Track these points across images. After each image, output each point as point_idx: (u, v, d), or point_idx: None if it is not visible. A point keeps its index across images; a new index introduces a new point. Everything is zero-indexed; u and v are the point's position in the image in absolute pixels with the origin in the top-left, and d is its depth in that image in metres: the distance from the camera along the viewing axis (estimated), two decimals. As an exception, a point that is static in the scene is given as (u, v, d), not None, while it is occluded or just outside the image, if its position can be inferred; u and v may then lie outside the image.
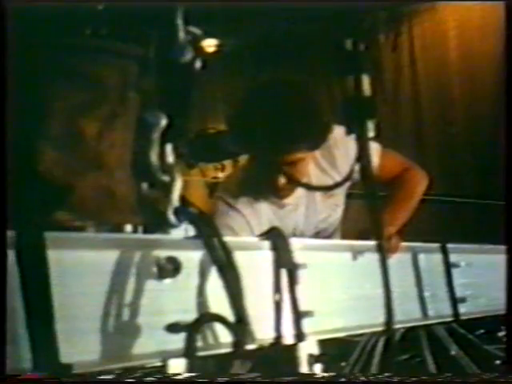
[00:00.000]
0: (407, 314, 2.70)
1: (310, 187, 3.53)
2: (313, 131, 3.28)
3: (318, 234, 3.71)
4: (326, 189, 3.61)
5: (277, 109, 3.18)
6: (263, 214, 3.56)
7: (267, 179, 3.41)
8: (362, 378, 2.16)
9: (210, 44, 8.79)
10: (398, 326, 2.54)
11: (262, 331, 2.01)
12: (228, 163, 5.00)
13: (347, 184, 3.53)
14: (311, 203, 3.67)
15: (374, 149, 3.53)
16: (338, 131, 3.38)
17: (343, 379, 2.03)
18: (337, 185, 3.52)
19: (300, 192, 3.60)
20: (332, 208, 3.78)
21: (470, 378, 2.26)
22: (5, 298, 1.42)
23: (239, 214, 3.48)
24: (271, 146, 3.19)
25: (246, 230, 3.45)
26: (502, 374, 2.21)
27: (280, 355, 2.09)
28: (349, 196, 3.85)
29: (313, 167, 3.58)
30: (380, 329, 2.37)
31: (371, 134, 2.13)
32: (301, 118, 3.20)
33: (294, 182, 3.39)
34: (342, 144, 3.53)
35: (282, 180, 3.33)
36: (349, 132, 2.17)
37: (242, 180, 3.63)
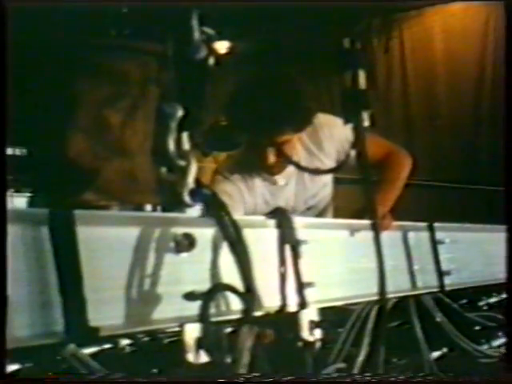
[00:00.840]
0: (398, 285, 2.71)
1: (303, 169, 3.61)
2: (296, 115, 3.39)
3: (309, 210, 3.78)
4: (320, 172, 3.70)
5: (265, 97, 3.34)
6: (257, 189, 3.65)
7: (259, 157, 3.51)
8: (366, 378, 2.15)
9: (223, 45, 8.78)
10: (390, 295, 2.54)
11: (269, 300, 2.00)
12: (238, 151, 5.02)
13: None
14: (300, 181, 3.74)
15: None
16: (324, 117, 3.58)
17: (348, 379, 2.02)
18: (331, 170, 3.71)
19: (290, 170, 3.69)
20: (320, 186, 3.83)
21: (471, 379, 2.24)
22: (5, 301, 1.40)
23: (234, 185, 3.61)
24: (261, 128, 3.34)
25: (240, 198, 3.59)
26: (502, 374, 2.18)
27: (284, 321, 2.09)
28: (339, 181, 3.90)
29: (300, 149, 3.66)
30: (374, 298, 2.37)
31: (366, 123, 2.13)
32: (285, 104, 3.34)
33: (284, 159, 3.47)
34: (327, 128, 3.64)
35: (272, 158, 3.44)
36: (346, 121, 2.17)
37: (238, 159, 3.74)
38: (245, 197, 3.59)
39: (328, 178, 3.89)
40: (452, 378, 2.64)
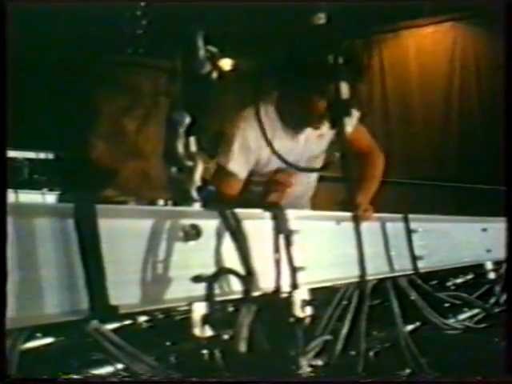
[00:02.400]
0: (378, 268, 2.70)
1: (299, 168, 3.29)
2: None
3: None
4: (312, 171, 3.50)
5: None
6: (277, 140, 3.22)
7: (308, 109, 3.15)
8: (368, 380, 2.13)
9: (227, 62, 8.76)
10: (370, 277, 2.54)
11: (266, 282, 2.00)
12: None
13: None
14: (309, 140, 3.41)
15: (355, 116, 3.36)
16: None
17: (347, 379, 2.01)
18: (318, 169, 3.50)
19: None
20: (305, 183, 3.62)
21: (471, 379, 2.22)
22: (5, 303, 1.39)
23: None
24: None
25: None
26: (502, 374, 2.15)
27: (279, 300, 2.08)
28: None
29: None
30: (356, 280, 2.37)
31: (350, 128, 2.13)
32: None
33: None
34: None
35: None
36: (332, 127, 2.17)
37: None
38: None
39: (314, 175, 3.71)
40: (452, 378, 2.62)
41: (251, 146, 3.14)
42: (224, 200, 2.48)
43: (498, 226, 3.98)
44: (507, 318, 2.45)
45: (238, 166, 3.14)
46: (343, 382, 1.96)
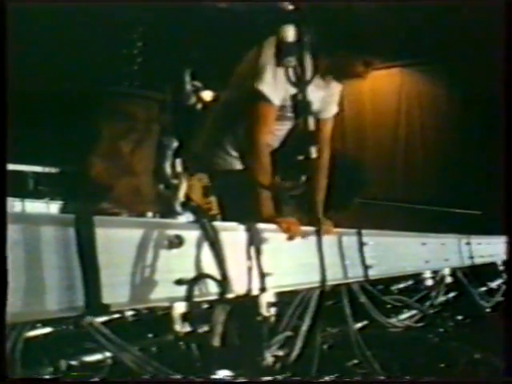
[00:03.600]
0: (334, 275, 2.69)
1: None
2: None
3: None
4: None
5: None
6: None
7: None
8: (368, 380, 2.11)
9: (208, 94, 8.75)
10: (328, 283, 2.53)
11: (238, 286, 1.98)
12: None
13: None
14: None
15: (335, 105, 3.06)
16: None
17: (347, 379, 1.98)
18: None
19: None
20: None
21: (471, 379, 2.19)
22: (5, 305, 1.37)
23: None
24: None
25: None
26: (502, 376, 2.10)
27: (249, 301, 2.07)
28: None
29: None
30: (316, 285, 2.36)
31: (314, 155, 2.12)
32: None
33: None
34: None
35: None
36: (299, 153, 2.16)
37: None
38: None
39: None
40: (452, 378, 2.59)
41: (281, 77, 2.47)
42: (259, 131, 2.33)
43: (435, 240, 4.01)
44: (506, 319, 2.41)
45: (273, 90, 2.57)
46: (347, 382, 1.92)
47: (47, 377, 1.77)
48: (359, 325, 3.20)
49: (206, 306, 1.91)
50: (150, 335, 2.65)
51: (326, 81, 2.89)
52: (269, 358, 2.21)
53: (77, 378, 1.79)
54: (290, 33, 2.09)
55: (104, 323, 1.80)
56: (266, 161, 2.55)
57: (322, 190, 2.94)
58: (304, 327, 2.51)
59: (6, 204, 1.39)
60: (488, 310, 4.87)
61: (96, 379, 1.76)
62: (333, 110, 3.05)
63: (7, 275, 1.30)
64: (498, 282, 5.45)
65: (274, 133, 2.78)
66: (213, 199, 4.79)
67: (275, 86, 2.55)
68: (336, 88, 3.02)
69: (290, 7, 2.03)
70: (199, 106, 1.85)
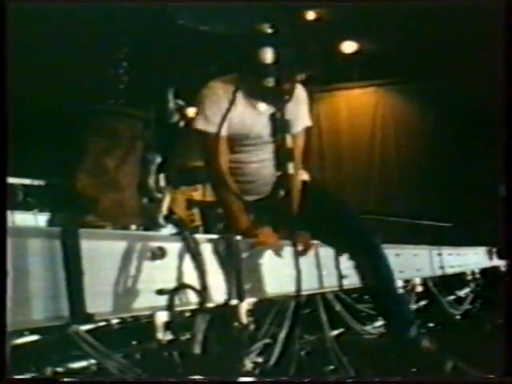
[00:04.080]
0: (310, 285, 2.69)
1: None
2: None
3: None
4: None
5: None
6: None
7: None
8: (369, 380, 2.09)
9: (192, 111, 8.72)
10: (304, 292, 2.53)
11: (217, 296, 1.98)
12: (199, 187, 5.02)
13: None
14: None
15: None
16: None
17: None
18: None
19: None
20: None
21: (471, 379, 2.16)
22: (5, 305, 1.36)
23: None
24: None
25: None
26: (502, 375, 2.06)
27: (228, 310, 2.06)
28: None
29: None
30: (292, 294, 2.35)
31: (291, 171, 2.12)
32: None
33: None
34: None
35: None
36: (277, 169, 2.16)
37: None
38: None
39: None
40: (452, 378, 2.56)
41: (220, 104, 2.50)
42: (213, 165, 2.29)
43: (408, 252, 4.02)
44: (507, 320, 2.37)
45: (210, 123, 2.48)
46: (343, 383, 1.91)
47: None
48: (335, 332, 3.20)
49: (187, 314, 1.89)
50: (135, 342, 2.63)
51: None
52: (248, 365, 2.20)
53: (77, 378, 1.78)
54: (268, 55, 2.10)
55: (90, 331, 1.80)
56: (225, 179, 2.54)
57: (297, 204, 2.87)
58: (282, 334, 2.50)
59: (6, 218, 1.39)
60: (457, 317, 4.90)
61: (96, 379, 1.74)
62: (301, 124, 2.80)
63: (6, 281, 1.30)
64: (466, 290, 5.49)
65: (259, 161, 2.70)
66: (195, 211, 4.79)
67: (213, 120, 2.46)
68: (302, 102, 2.81)
69: (269, 30, 2.04)
70: (182, 123, 1.85)
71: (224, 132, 2.48)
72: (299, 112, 2.74)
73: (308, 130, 2.87)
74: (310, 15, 6.62)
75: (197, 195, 5.22)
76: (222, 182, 2.46)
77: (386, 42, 8.19)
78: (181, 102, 1.85)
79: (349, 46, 8.31)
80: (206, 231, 3.49)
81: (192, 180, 4.50)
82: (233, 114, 2.47)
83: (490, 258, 6.13)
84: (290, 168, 2.13)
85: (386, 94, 9.48)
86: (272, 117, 2.23)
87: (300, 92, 2.71)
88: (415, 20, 6.93)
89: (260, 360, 2.44)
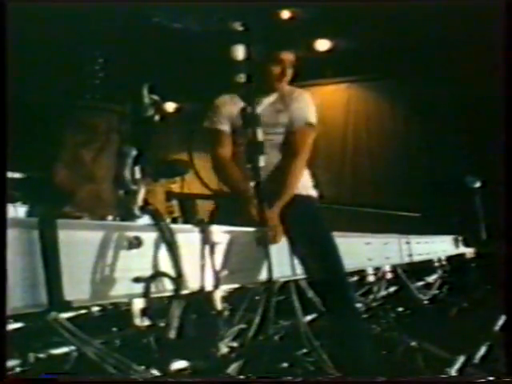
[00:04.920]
0: (284, 272, 2.70)
1: None
2: None
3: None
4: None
5: None
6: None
7: None
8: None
9: (171, 105, 8.65)
10: (278, 280, 2.54)
11: (192, 283, 1.98)
12: (178, 179, 5.01)
13: None
14: None
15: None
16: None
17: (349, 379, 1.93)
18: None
19: None
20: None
21: (473, 378, 2.14)
22: (5, 305, 1.35)
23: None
24: None
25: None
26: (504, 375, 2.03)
27: (203, 297, 2.07)
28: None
29: None
30: (266, 281, 2.36)
31: (262, 163, 2.13)
32: None
33: None
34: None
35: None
36: (248, 162, 2.16)
37: None
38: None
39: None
40: (452, 379, 2.54)
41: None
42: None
43: (378, 240, 4.05)
44: (507, 321, 2.31)
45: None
46: (344, 382, 1.89)
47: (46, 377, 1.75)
48: (308, 317, 3.22)
49: (163, 301, 1.89)
50: (115, 329, 2.63)
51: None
52: (223, 349, 2.20)
53: (77, 378, 1.77)
54: (239, 52, 2.10)
55: (72, 318, 1.79)
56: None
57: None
58: (257, 320, 2.51)
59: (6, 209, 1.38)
60: (425, 302, 4.95)
61: (96, 379, 1.73)
62: (302, 119, 2.94)
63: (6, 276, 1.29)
64: (434, 276, 5.55)
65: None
66: (174, 203, 4.78)
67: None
68: (300, 97, 2.96)
69: (240, 28, 2.04)
70: (157, 117, 1.84)
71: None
72: (296, 110, 2.80)
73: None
74: (285, 14, 6.61)
75: (176, 187, 5.23)
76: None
77: (359, 40, 8.21)
78: (156, 97, 1.84)
79: (322, 44, 8.31)
80: (185, 222, 3.49)
81: (171, 173, 4.50)
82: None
83: (457, 246, 6.20)
84: (261, 161, 2.14)
85: (359, 90, 9.52)
86: (242, 111, 2.24)
87: (299, 92, 2.93)
88: (388, 18, 6.93)
89: (235, 344, 2.45)
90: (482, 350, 3.51)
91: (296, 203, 2.79)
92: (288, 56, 2.82)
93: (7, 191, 1.52)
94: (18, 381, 1.45)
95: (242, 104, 2.32)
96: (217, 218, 2.92)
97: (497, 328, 4.13)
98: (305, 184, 2.99)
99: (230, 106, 2.83)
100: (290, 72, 2.86)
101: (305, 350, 3.08)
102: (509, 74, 2.14)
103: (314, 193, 3.07)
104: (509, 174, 2.20)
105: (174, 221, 4.04)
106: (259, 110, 2.53)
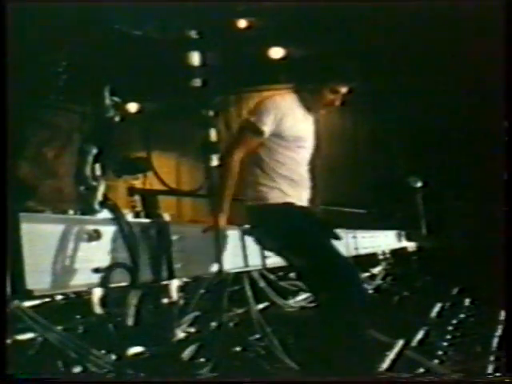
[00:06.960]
0: (236, 264, 2.69)
1: None
2: None
3: None
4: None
5: None
6: None
7: None
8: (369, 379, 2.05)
9: (134, 106, 8.50)
10: (230, 271, 2.55)
11: (148, 273, 1.97)
12: (140, 176, 4.98)
13: None
14: None
15: None
16: None
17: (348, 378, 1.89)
18: None
19: None
20: None
21: (473, 379, 2.10)
22: (5, 305, 1.34)
23: None
24: None
25: None
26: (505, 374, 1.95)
27: (159, 287, 2.06)
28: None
29: None
30: (221, 271, 2.36)
31: (215, 163, 2.14)
32: None
33: None
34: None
35: None
36: (203, 162, 2.17)
37: None
38: None
39: None
40: (452, 379, 2.48)
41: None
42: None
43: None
44: (507, 320, 2.22)
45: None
46: (344, 382, 1.87)
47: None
48: (261, 306, 3.24)
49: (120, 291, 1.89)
50: (78, 317, 2.61)
51: None
52: (179, 335, 2.21)
53: (77, 378, 1.75)
54: (195, 58, 2.10)
55: (36, 306, 1.78)
56: None
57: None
58: (211, 308, 2.53)
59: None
60: (370, 291, 5.02)
61: (96, 379, 1.72)
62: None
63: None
64: (378, 268, 5.64)
65: None
66: (137, 198, 4.75)
67: None
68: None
69: (196, 36, 2.05)
70: (117, 118, 1.84)
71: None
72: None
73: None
74: (241, 23, 6.57)
75: (138, 183, 5.20)
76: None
77: (313, 47, 8.21)
78: (116, 99, 1.83)
79: (276, 52, 8.32)
80: (147, 216, 3.47)
81: (133, 170, 4.48)
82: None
83: (400, 240, 6.32)
84: (214, 160, 2.15)
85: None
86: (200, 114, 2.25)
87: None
88: (348, 24, 6.86)
89: (192, 330, 2.46)
90: (420, 334, 3.57)
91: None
92: None
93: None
94: (18, 381, 1.43)
95: None
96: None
97: (433, 314, 4.22)
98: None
99: None
100: None
101: (257, 336, 3.10)
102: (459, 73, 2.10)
103: None
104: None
105: (137, 215, 4.02)
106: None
